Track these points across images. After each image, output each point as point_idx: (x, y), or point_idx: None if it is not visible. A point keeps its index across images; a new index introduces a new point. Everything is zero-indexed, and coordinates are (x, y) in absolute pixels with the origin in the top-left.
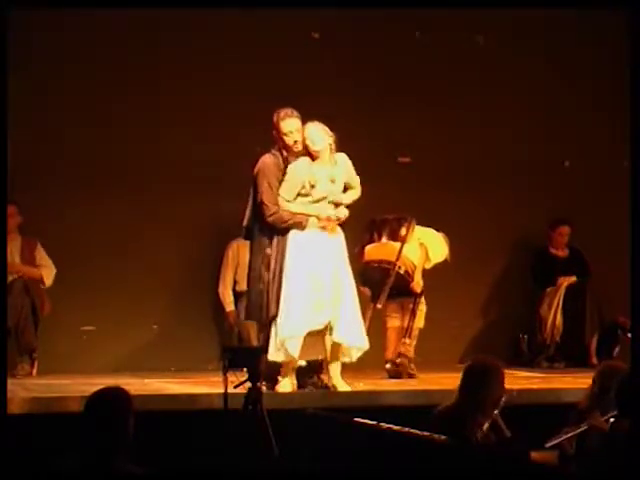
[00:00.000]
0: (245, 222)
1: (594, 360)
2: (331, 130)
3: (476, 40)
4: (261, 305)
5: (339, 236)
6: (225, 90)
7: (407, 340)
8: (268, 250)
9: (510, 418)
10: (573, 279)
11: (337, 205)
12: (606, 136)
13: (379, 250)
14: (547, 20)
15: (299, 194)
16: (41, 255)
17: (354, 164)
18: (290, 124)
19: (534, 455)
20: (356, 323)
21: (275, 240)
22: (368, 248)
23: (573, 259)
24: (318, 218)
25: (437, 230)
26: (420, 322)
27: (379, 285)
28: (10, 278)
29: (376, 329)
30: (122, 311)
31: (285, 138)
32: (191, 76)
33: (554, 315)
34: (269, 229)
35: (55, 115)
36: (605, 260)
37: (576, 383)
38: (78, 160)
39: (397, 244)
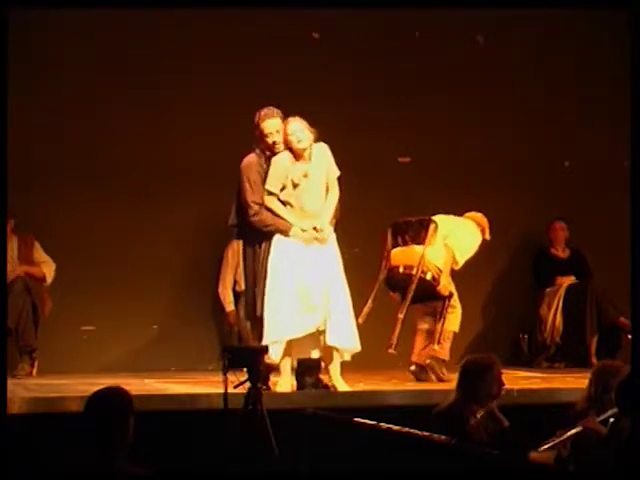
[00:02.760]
0: (229, 221)
1: (594, 360)
2: (330, 129)
3: (476, 40)
4: (251, 304)
5: (329, 239)
6: (225, 90)
7: (436, 346)
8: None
9: (510, 418)
10: (572, 279)
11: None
12: (606, 136)
13: (403, 255)
14: (547, 20)
15: (284, 202)
16: (39, 253)
17: (355, 164)
18: (271, 125)
19: (533, 455)
20: (348, 325)
21: (263, 240)
22: (393, 252)
23: (573, 260)
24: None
25: (474, 211)
26: (453, 325)
27: (406, 290)
28: (12, 277)
29: (378, 329)
30: (122, 311)
31: (269, 139)
32: (191, 77)
33: (554, 315)
34: (257, 228)
35: (55, 115)
36: (605, 260)
37: (576, 383)
38: (78, 160)
39: (421, 248)
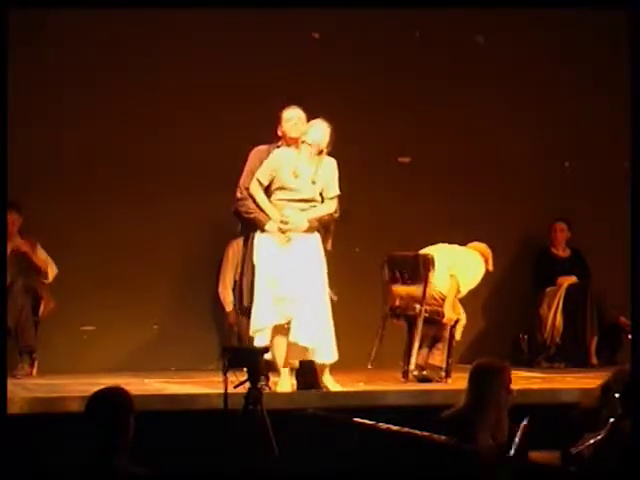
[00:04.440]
0: (232, 208)
1: (594, 360)
2: (331, 130)
3: (476, 40)
4: (238, 296)
5: (311, 237)
6: (226, 90)
7: (449, 381)
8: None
9: (510, 418)
10: (573, 279)
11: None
12: (606, 136)
13: (404, 294)
14: (547, 20)
15: (279, 188)
16: (42, 254)
17: (354, 164)
18: (291, 112)
19: (534, 455)
20: (315, 324)
21: (250, 234)
22: (393, 290)
23: (574, 260)
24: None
25: (476, 241)
26: (457, 336)
27: (411, 319)
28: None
29: (377, 330)
30: (122, 311)
31: (286, 125)
32: (192, 76)
33: (554, 315)
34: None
35: (55, 115)
36: (605, 260)
37: (576, 383)
38: (78, 160)
39: (421, 288)
